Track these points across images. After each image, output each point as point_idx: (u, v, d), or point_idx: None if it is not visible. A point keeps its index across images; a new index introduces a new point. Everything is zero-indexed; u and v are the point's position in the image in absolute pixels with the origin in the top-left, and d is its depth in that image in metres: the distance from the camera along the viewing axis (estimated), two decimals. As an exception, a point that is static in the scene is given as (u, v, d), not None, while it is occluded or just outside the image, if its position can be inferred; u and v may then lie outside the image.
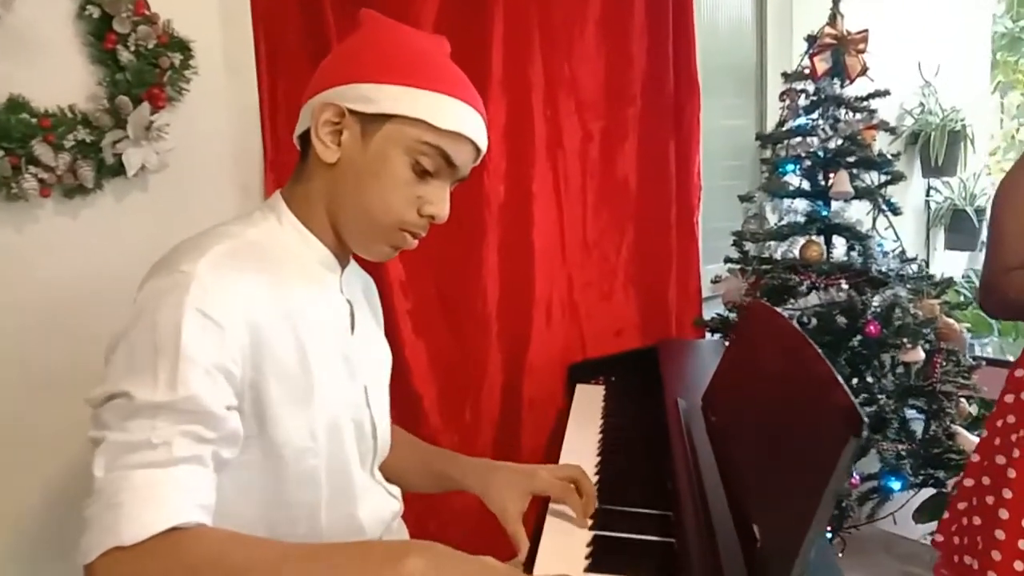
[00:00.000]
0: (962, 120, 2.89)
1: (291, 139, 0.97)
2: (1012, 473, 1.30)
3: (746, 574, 0.79)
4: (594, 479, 1.22)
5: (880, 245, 1.95)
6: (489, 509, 1.09)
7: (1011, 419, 1.36)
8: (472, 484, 1.12)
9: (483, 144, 0.96)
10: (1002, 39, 4.38)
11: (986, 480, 1.38)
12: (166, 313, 0.77)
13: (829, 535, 2.01)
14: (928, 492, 2.22)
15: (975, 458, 1.44)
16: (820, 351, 0.85)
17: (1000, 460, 1.35)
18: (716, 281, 2.06)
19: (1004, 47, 4.43)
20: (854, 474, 1.82)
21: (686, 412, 1.30)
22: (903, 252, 1.97)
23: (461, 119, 0.91)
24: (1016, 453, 1.31)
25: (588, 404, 1.64)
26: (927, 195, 3.07)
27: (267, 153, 1.46)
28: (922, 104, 2.96)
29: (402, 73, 0.89)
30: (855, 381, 1.90)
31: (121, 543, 0.70)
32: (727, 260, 2.05)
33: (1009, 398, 1.38)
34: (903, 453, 1.82)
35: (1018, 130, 4.42)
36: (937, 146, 2.87)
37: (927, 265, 2.97)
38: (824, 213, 1.88)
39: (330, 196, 0.93)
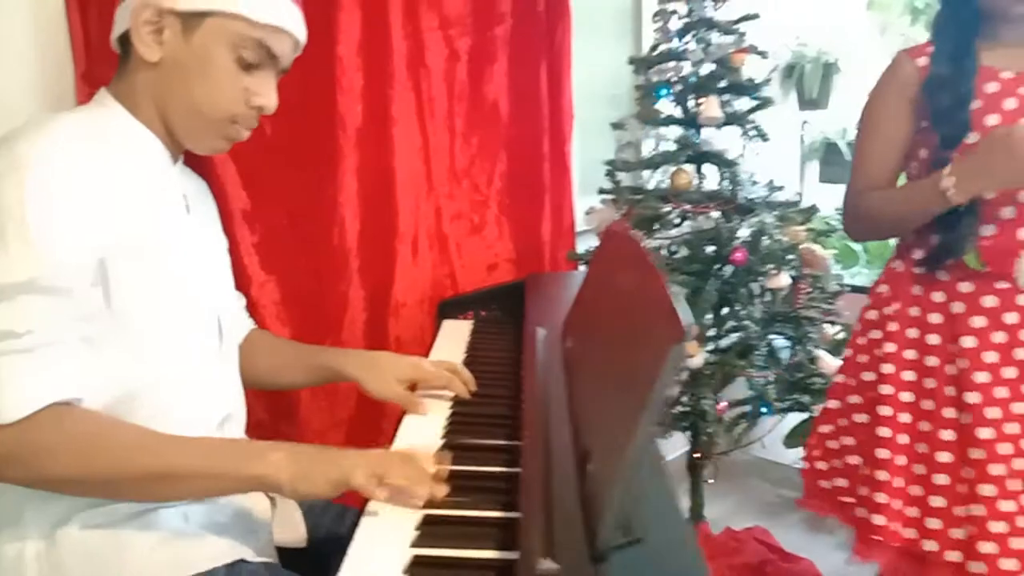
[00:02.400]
0: (835, 58, 2.93)
1: (106, 46, 0.98)
2: (887, 389, 1.32)
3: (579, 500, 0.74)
4: (448, 414, 1.15)
5: (751, 174, 1.94)
6: (369, 395, 1.16)
7: (875, 334, 1.37)
8: (352, 371, 1.17)
9: (302, 36, 1.02)
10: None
11: (855, 399, 1.40)
12: (9, 192, 0.78)
13: (698, 460, 2.05)
14: (799, 417, 2.29)
15: (839, 379, 1.45)
16: (658, 268, 0.79)
17: (868, 376, 1.37)
18: (590, 213, 2.00)
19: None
20: (721, 400, 1.84)
21: (545, 341, 1.25)
22: (772, 180, 1.97)
23: (278, 11, 0.95)
24: (886, 367, 1.33)
25: (453, 339, 1.56)
26: (802, 128, 3.13)
27: (78, 65, 1.28)
28: (797, 37, 2.99)
29: None
30: (725, 309, 1.90)
31: (4, 420, 0.74)
32: (601, 191, 2.00)
33: (872, 314, 1.40)
34: (770, 379, 1.84)
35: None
36: (811, 79, 2.91)
37: (801, 198, 3.05)
38: (695, 140, 1.85)
39: (156, 93, 0.95)
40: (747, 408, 1.90)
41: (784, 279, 1.77)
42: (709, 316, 1.88)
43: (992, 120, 1.23)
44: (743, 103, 1.90)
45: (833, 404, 1.44)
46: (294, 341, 1.35)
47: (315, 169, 1.58)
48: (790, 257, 1.79)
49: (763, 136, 1.86)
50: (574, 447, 0.83)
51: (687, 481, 2.15)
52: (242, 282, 1.44)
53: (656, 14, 1.86)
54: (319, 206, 1.60)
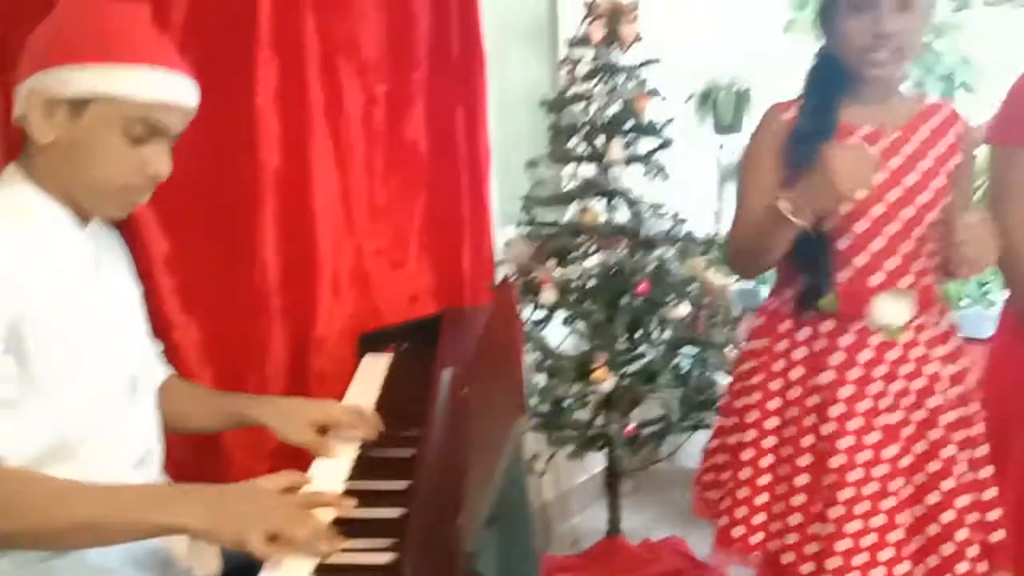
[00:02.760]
0: (747, 86, 3.10)
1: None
2: (755, 415, 1.45)
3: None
4: (354, 457, 1.24)
5: (656, 207, 2.07)
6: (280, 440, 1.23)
7: (748, 365, 1.50)
8: (264, 419, 1.24)
9: (192, 102, 1.08)
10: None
11: (731, 421, 1.52)
12: None
13: (613, 480, 2.17)
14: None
15: (725, 400, 1.58)
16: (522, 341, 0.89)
17: (740, 402, 1.50)
18: (508, 245, 2.11)
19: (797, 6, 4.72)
20: (630, 422, 1.96)
21: (450, 383, 1.34)
22: (676, 213, 2.10)
23: (161, 87, 1.02)
24: (755, 396, 1.45)
25: (370, 375, 1.65)
26: (719, 151, 3.29)
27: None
28: (714, 66, 3.15)
29: (98, 51, 0.97)
30: (634, 335, 2.03)
31: None
32: (519, 224, 2.10)
33: (748, 346, 1.53)
34: (675, 400, 1.98)
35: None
36: (724, 105, 3.07)
37: (718, 219, 3.21)
38: (602, 179, 1.97)
39: (55, 170, 1.01)
40: (656, 427, 2.03)
41: (684, 309, 1.90)
42: (625, 340, 2.01)
43: None
44: (650, 142, 2.03)
45: (719, 421, 1.57)
46: (209, 388, 1.43)
47: (235, 213, 1.65)
48: (689, 288, 1.92)
49: (665, 174, 1.99)
50: (452, 498, 0.92)
51: (606, 497, 2.27)
52: (162, 327, 1.50)
53: (564, 60, 1.97)
54: (239, 249, 1.67)
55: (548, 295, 1.96)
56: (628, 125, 1.97)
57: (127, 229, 1.30)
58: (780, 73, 3.50)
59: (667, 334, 1.99)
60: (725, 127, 3.12)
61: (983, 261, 1.28)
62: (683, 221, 2.04)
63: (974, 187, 1.55)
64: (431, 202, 2.03)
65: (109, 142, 0.99)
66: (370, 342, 1.87)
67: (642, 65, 2.00)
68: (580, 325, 2.05)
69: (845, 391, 1.37)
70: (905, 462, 1.39)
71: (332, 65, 1.79)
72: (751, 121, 3.29)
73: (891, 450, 1.37)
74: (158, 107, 1.01)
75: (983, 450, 1.45)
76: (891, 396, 1.38)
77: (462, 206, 2.07)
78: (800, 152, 1.37)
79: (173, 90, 1.03)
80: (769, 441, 1.43)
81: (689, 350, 2.05)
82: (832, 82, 1.40)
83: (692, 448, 2.47)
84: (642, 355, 1.99)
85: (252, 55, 1.62)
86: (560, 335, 2.17)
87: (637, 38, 1.97)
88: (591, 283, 1.99)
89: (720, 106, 3.08)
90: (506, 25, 2.45)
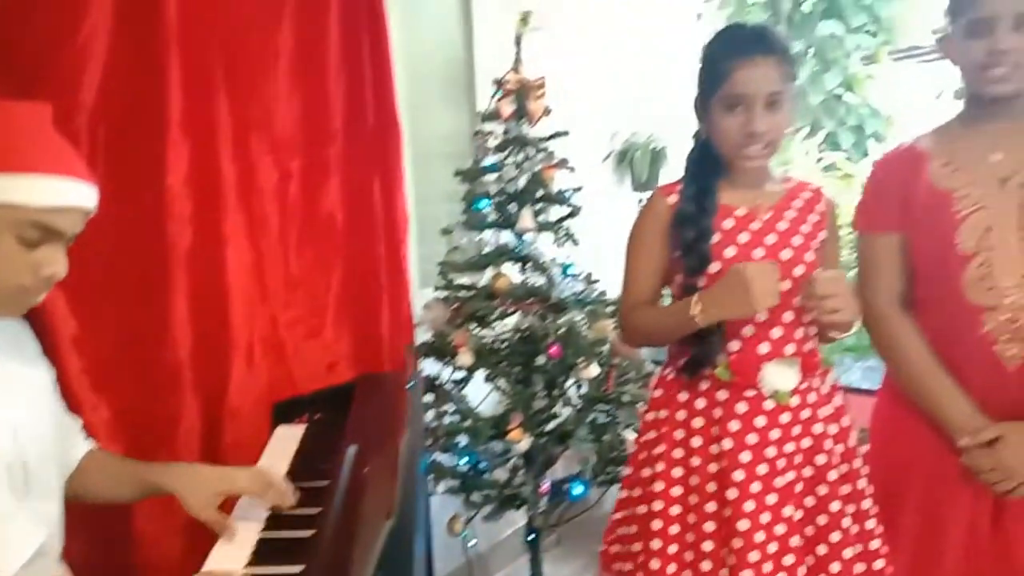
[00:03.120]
0: (662, 144, 3.25)
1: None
2: (660, 485, 1.50)
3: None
4: (256, 539, 1.26)
5: (569, 268, 2.16)
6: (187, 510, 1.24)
7: (651, 435, 1.57)
8: (172, 486, 1.26)
9: (90, 204, 1.08)
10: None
11: (637, 491, 1.58)
12: None
13: (533, 536, 2.21)
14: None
15: (627, 471, 1.64)
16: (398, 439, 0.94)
17: (646, 472, 1.55)
18: (427, 308, 2.17)
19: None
20: (545, 480, 2.02)
21: (354, 460, 1.38)
22: (590, 274, 2.19)
23: (57, 193, 1.02)
24: (659, 466, 1.51)
25: (281, 446, 1.67)
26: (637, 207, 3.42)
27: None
28: (628, 127, 3.30)
29: None
30: (550, 395, 2.10)
31: None
32: (437, 287, 2.17)
33: (648, 416, 1.60)
34: (588, 458, 2.04)
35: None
36: (640, 164, 3.20)
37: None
38: (514, 245, 2.05)
39: None
40: (570, 484, 2.09)
41: (593, 370, 1.98)
42: (540, 400, 2.07)
43: (730, 252, 1.44)
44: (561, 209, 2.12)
45: (623, 493, 1.63)
46: (125, 457, 1.42)
47: (146, 291, 1.67)
48: (599, 349, 2.00)
49: (574, 241, 2.08)
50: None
51: (527, 554, 2.32)
52: (71, 407, 1.50)
53: (476, 133, 2.06)
54: (150, 325, 1.68)
55: (464, 358, 2.02)
56: (538, 194, 2.05)
57: (34, 311, 1.31)
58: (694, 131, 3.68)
59: (581, 393, 2.06)
60: (642, 184, 3.25)
61: (845, 316, 1.37)
62: (595, 282, 2.13)
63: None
64: (348, 270, 2.08)
65: (3, 248, 0.99)
66: (285, 411, 1.90)
67: (551, 137, 2.10)
68: (502, 383, 2.12)
69: (744, 456, 1.44)
70: (798, 518, 1.46)
71: (244, 144, 1.84)
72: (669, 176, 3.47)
73: (788, 510, 1.45)
74: (54, 212, 1.01)
75: (868, 502, 1.54)
76: (784, 458, 1.46)
77: (380, 273, 2.13)
78: (684, 234, 1.47)
79: (70, 195, 1.03)
80: (675, 509, 1.48)
81: (604, 407, 2.12)
82: (710, 166, 1.50)
83: (612, 499, 2.54)
84: (556, 415, 2.05)
85: (163, 136, 1.66)
86: (483, 392, 2.22)
87: (546, 112, 2.07)
88: (506, 345, 2.05)
89: (637, 164, 3.21)
90: (427, 91, 2.55)
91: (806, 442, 1.48)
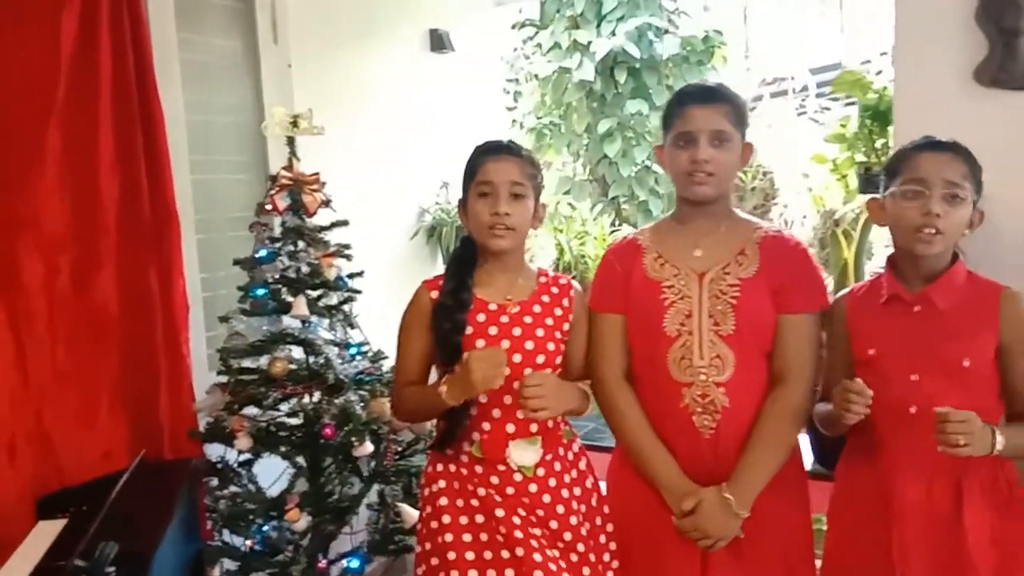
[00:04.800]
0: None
1: None
2: (452, 555, 1.61)
3: None
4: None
5: (358, 348, 2.29)
6: None
7: (429, 509, 1.69)
8: None
9: None
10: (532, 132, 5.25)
11: (435, 560, 1.67)
12: None
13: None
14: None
15: (418, 548, 1.73)
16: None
17: (438, 542, 1.65)
18: (209, 392, 2.22)
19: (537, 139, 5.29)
20: (322, 559, 2.10)
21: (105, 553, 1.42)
22: (379, 351, 2.31)
23: None
24: (448, 536, 1.63)
25: (34, 545, 1.67)
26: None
27: None
28: (438, 203, 3.50)
29: None
30: (329, 474, 2.19)
31: None
32: (219, 372, 2.23)
33: (426, 491, 1.71)
34: (367, 532, 2.15)
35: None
36: (448, 239, 3.40)
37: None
38: (291, 330, 2.15)
39: None
40: (348, 560, 2.18)
41: (367, 447, 2.10)
42: (321, 479, 2.16)
43: (480, 344, 1.61)
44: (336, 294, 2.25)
45: (420, 569, 1.71)
46: None
47: None
48: (374, 427, 2.13)
49: (351, 324, 2.21)
50: None
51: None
52: None
53: (251, 225, 2.17)
54: None
55: (243, 441, 2.09)
56: (318, 280, 2.18)
57: None
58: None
59: (356, 472, 2.17)
60: (450, 258, 3.44)
61: (546, 414, 1.56)
62: (385, 358, 2.26)
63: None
64: (125, 359, 2.12)
65: None
66: (51, 504, 1.89)
67: (332, 226, 2.23)
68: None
69: (515, 519, 1.60)
70: None
71: (10, 241, 1.87)
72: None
73: (553, 567, 1.60)
74: None
75: (607, 555, 1.73)
76: (538, 524, 1.62)
77: (159, 361, 2.18)
78: (441, 327, 1.64)
79: None
80: (473, 574, 1.60)
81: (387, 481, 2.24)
82: (467, 263, 1.69)
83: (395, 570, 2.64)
84: (332, 493, 2.15)
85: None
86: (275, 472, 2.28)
87: (323, 203, 2.21)
88: (285, 428, 2.14)
89: (445, 239, 3.41)
90: (221, 181, 2.64)
91: (559, 508, 1.65)
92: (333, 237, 2.27)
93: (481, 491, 1.64)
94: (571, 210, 4.53)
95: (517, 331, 1.65)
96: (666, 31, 5.06)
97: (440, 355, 1.65)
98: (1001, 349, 1.55)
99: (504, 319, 1.65)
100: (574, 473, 1.72)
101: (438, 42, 3.44)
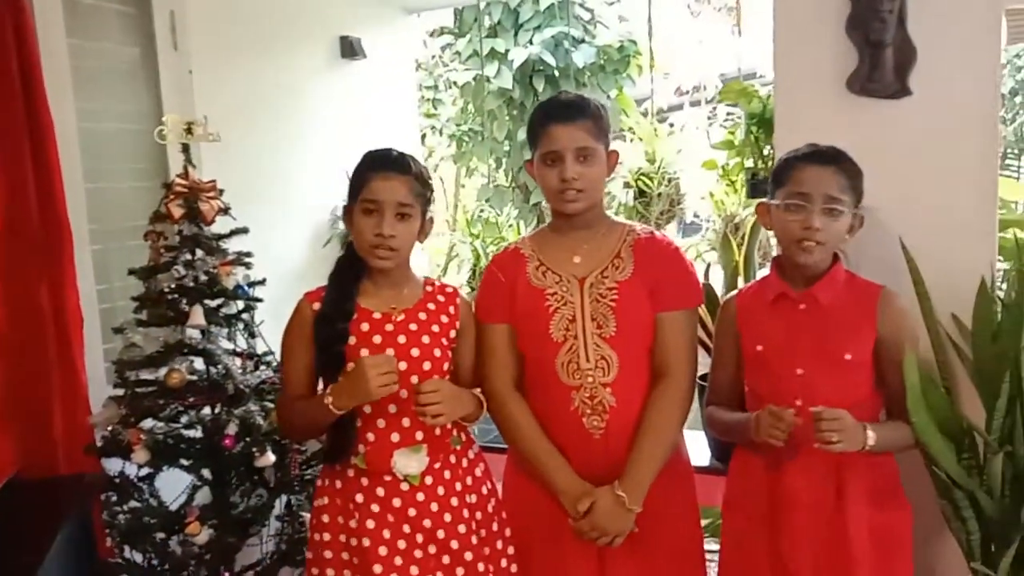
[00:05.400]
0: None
1: None
2: (331, 572, 1.63)
3: None
4: None
5: (263, 357, 2.26)
6: None
7: (315, 521, 1.71)
8: None
9: None
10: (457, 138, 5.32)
11: (310, 556, 1.69)
12: None
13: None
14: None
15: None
16: None
17: (318, 557, 1.66)
18: (105, 406, 2.16)
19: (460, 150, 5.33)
20: (225, 572, 2.07)
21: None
22: (279, 363, 2.28)
23: None
24: (328, 553, 1.64)
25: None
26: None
27: None
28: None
29: None
30: (232, 485, 2.16)
31: None
32: (115, 385, 2.17)
33: (316, 502, 1.72)
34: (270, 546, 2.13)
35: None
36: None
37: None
38: (189, 340, 2.11)
39: None
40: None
41: (269, 458, 2.07)
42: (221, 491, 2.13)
43: (364, 353, 1.60)
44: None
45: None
46: None
47: None
48: (276, 437, 2.11)
49: (252, 334, 2.19)
50: None
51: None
52: None
53: (146, 234, 2.13)
54: None
55: (140, 455, 2.04)
56: (216, 289, 2.14)
57: None
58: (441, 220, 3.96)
59: (262, 482, 2.14)
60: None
61: (443, 419, 1.57)
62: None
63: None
64: (13, 374, 2.05)
65: None
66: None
67: (232, 234, 2.20)
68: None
69: (385, 534, 1.60)
70: None
71: None
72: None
73: None
74: None
75: (504, 561, 1.75)
76: (423, 533, 1.63)
77: (51, 375, 2.11)
78: (323, 337, 1.63)
79: None
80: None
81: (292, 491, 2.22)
82: (352, 273, 1.68)
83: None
84: (236, 505, 2.12)
85: None
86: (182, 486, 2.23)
87: (222, 211, 2.18)
88: (184, 440, 2.10)
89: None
90: (119, 191, 2.58)
91: (447, 516, 1.66)
92: (236, 245, 2.25)
93: (368, 503, 1.63)
94: (492, 216, 4.58)
95: (402, 339, 1.65)
96: (582, 40, 5.17)
97: (323, 366, 1.64)
98: (879, 344, 1.66)
99: (389, 327, 1.65)
100: (469, 480, 1.73)
101: (349, 49, 3.43)
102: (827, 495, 1.65)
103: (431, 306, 1.71)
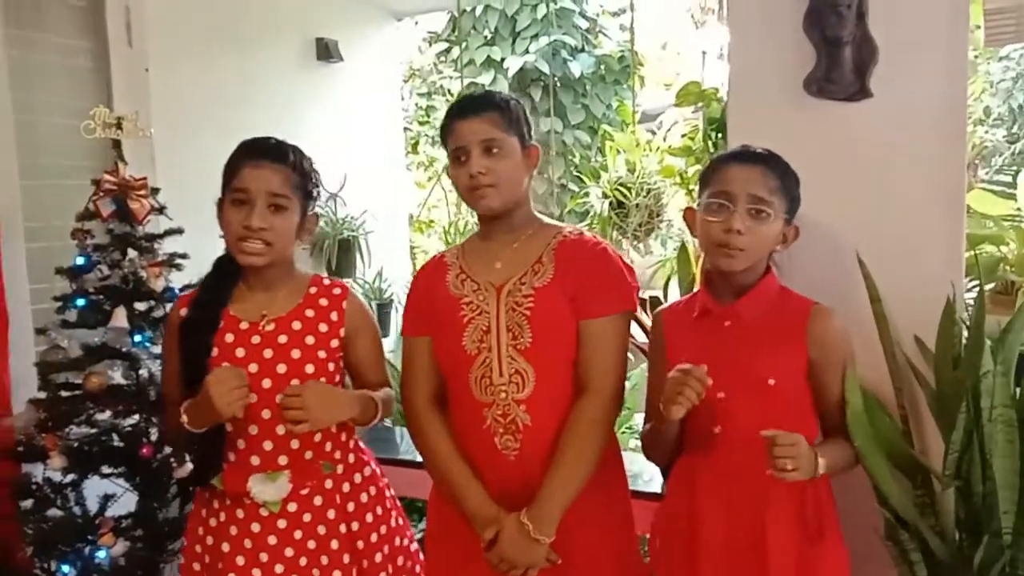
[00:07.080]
0: (357, 230, 3.38)
1: None
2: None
3: None
4: None
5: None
6: None
7: (186, 543, 1.63)
8: None
9: None
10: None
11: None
12: None
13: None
14: None
15: None
16: None
17: (206, 560, 1.58)
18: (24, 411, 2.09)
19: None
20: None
21: None
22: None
23: None
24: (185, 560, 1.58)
25: None
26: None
27: None
28: (325, 215, 3.41)
29: None
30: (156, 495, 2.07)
31: None
32: (39, 389, 2.10)
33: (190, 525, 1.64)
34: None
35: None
36: (330, 252, 3.30)
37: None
38: (111, 343, 2.03)
39: None
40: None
41: (188, 468, 1.98)
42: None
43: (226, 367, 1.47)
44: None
45: None
46: None
47: None
48: (197, 447, 2.01)
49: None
50: None
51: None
52: None
53: (73, 232, 2.06)
54: None
55: (56, 461, 1.96)
56: (143, 291, 2.06)
57: None
58: (388, 220, 3.84)
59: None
60: (334, 272, 3.35)
61: (306, 427, 1.44)
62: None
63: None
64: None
65: None
66: None
67: (164, 235, 2.12)
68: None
69: (239, 560, 1.50)
70: None
71: None
72: (362, 267, 3.60)
73: None
74: None
75: None
76: (284, 563, 1.51)
77: (-28, 374, 2.04)
78: (187, 345, 1.53)
79: None
80: None
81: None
82: (225, 279, 1.57)
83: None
84: (156, 516, 2.03)
85: None
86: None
87: (154, 210, 2.10)
88: (103, 447, 2.01)
89: (327, 251, 3.31)
90: (50, 186, 2.52)
91: (311, 544, 1.54)
92: (173, 246, 2.17)
93: (227, 525, 1.54)
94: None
95: (268, 353, 1.53)
96: (581, 49, 5.07)
97: (187, 377, 1.52)
98: (810, 366, 1.48)
99: (255, 339, 1.53)
100: (350, 506, 1.62)
101: (324, 51, 3.36)
102: (746, 528, 1.47)
103: (309, 312, 1.59)
